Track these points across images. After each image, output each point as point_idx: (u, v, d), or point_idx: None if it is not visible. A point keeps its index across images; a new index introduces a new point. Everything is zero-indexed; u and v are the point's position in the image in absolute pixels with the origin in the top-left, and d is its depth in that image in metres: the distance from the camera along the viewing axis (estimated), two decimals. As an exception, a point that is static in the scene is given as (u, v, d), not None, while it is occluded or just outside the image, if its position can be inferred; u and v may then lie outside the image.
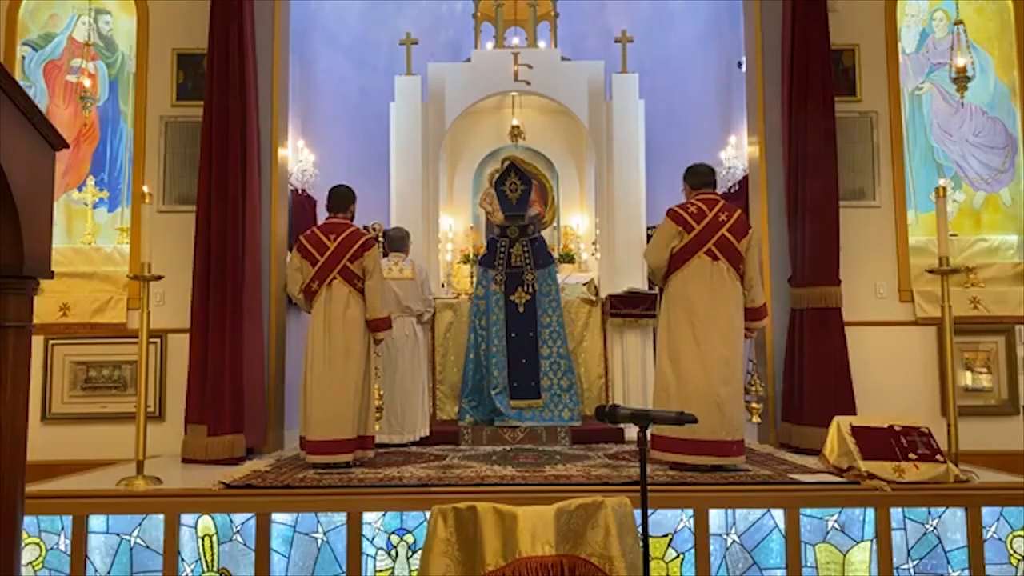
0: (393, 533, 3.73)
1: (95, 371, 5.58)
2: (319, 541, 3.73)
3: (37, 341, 5.32)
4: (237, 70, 5.38)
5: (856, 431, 4.06)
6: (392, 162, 8.22)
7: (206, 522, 3.76)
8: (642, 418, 2.53)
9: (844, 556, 3.74)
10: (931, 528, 3.79)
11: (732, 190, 7.16)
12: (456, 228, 8.81)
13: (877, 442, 3.98)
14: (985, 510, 3.78)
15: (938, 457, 3.95)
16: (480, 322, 6.13)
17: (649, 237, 6.79)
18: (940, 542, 3.78)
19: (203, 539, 3.75)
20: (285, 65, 5.97)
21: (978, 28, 5.99)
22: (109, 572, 3.73)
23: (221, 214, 5.21)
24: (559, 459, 4.83)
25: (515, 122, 8.48)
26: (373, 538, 3.73)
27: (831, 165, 5.41)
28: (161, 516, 3.74)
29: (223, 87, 5.34)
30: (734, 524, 3.75)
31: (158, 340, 5.48)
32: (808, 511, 3.75)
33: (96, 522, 3.75)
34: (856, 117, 5.76)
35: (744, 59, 6.23)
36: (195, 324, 5.16)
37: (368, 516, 3.73)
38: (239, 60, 5.40)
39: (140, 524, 3.75)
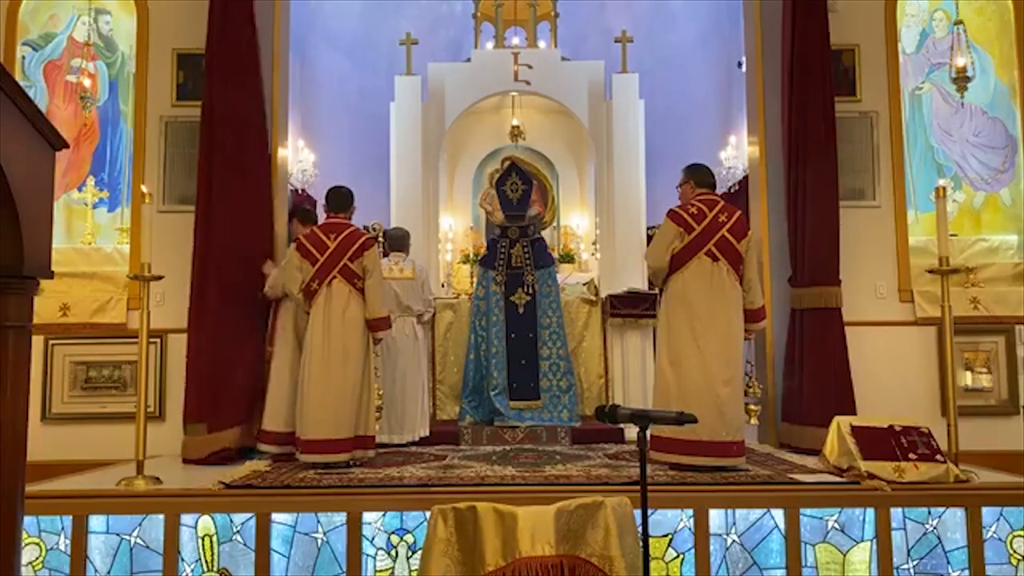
0: (393, 533, 3.73)
1: (95, 371, 5.58)
2: (319, 541, 3.73)
3: (37, 341, 5.32)
4: (236, 69, 5.38)
5: (856, 431, 4.05)
6: (392, 162, 8.23)
7: (206, 522, 3.75)
8: (642, 418, 2.53)
9: (844, 556, 3.74)
10: (931, 528, 3.79)
11: (732, 190, 7.17)
12: (456, 228, 8.81)
13: (877, 442, 3.98)
14: (985, 510, 3.78)
15: (938, 457, 3.94)
16: (480, 323, 6.13)
17: (649, 237, 6.80)
18: (940, 542, 3.78)
19: (203, 539, 3.75)
20: (285, 65, 5.97)
21: (978, 28, 5.99)
22: (109, 572, 3.72)
23: (220, 214, 5.21)
24: (559, 459, 4.83)
25: (515, 122, 8.49)
26: (373, 538, 3.73)
27: (831, 165, 5.41)
28: (161, 516, 3.73)
29: (222, 86, 5.34)
30: (734, 524, 3.75)
31: (158, 340, 5.48)
32: (808, 511, 3.75)
33: (96, 522, 3.75)
34: (856, 117, 5.76)
35: (744, 59, 6.23)
36: (192, 324, 5.16)
37: (368, 516, 3.73)
38: (238, 59, 5.39)
39: (140, 524, 3.75)
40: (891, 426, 4.08)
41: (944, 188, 4.56)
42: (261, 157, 5.53)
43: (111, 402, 5.55)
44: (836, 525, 3.76)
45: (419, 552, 3.47)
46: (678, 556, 3.71)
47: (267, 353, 5.21)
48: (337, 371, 4.52)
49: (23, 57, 5.91)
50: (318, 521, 3.74)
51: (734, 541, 3.74)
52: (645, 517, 2.54)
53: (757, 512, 3.76)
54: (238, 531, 3.74)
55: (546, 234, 7.63)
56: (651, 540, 3.57)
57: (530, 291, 6.11)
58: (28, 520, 3.62)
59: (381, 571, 3.71)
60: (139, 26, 5.85)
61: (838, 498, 3.77)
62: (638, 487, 2.54)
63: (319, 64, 8.00)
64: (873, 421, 4.18)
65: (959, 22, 5.71)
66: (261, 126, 5.53)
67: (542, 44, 8.56)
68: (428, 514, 3.11)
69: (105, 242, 5.87)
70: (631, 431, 4.20)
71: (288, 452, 4.82)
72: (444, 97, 8.19)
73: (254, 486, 3.94)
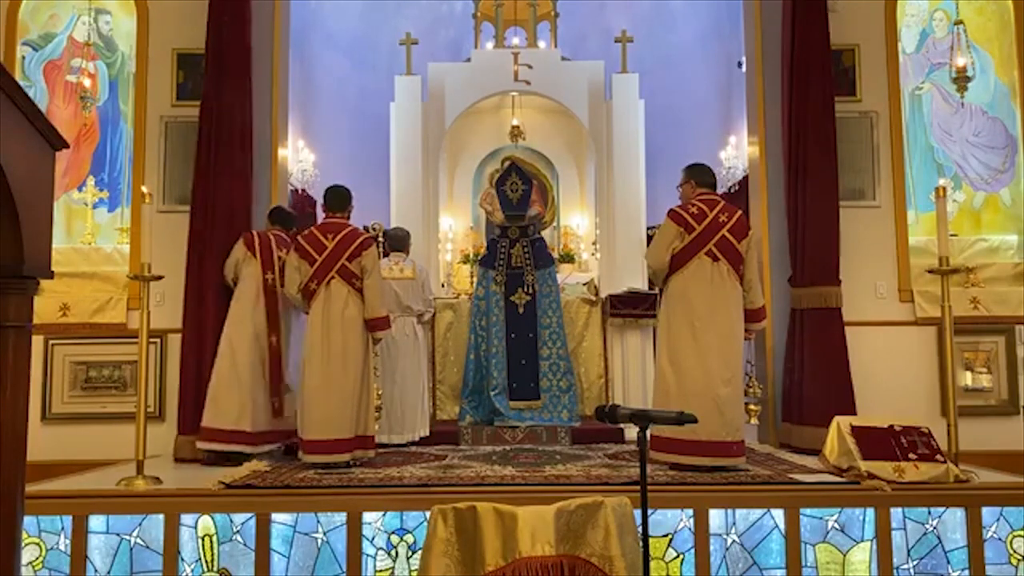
0: (393, 533, 3.73)
1: (95, 371, 5.58)
2: (319, 541, 3.73)
3: (37, 341, 5.32)
4: (234, 69, 5.38)
5: (856, 431, 4.05)
6: (392, 162, 8.23)
7: (206, 522, 3.75)
8: (642, 418, 2.53)
9: (844, 556, 3.74)
10: (931, 528, 3.79)
11: (732, 190, 7.17)
12: (456, 228, 8.81)
13: (877, 442, 3.98)
14: (985, 510, 3.78)
15: (938, 457, 3.95)
16: (480, 323, 6.13)
17: (649, 237, 6.80)
18: (940, 542, 3.78)
19: (203, 539, 3.74)
20: (285, 65, 5.97)
21: (978, 28, 5.99)
22: (109, 572, 3.72)
23: (215, 213, 5.23)
24: (559, 459, 4.83)
25: (515, 122, 8.49)
26: (373, 538, 3.73)
27: (831, 165, 5.41)
28: (161, 516, 3.73)
29: (219, 86, 5.35)
30: (734, 524, 3.75)
31: (158, 340, 5.48)
32: (808, 511, 3.75)
33: (96, 522, 3.75)
34: (856, 117, 5.76)
35: (744, 59, 6.23)
36: (187, 325, 5.18)
37: (368, 516, 3.73)
38: (236, 59, 5.40)
39: (140, 524, 3.75)
40: (891, 426, 4.08)
41: (944, 188, 4.56)
42: (260, 157, 5.54)
43: (111, 402, 5.55)
44: (836, 525, 3.76)
45: (419, 552, 3.46)
46: (678, 556, 3.71)
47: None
48: (337, 371, 4.51)
49: (23, 57, 5.91)
50: (318, 521, 3.74)
51: (734, 541, 3.74)
52: (645, 517, 2.53)
53: (757, 512, 3.76)
54: (238, 531, 3.74)
55: (546, 234, 7.63)
56: (651, 540, 3.57)
57: (530, 291, 6.10)
58: (28, 520, 3.62)
59: (381, 571, 3.71)
60: (139, 26, 5.86)
61: (838, 498, 3.77)
62: (638, 487, 2.53)
63: (319, 64, 8.00)
64: (873, 421, 4.18)
65: (959, 22, 5.71)
66: (258, 126, 5.54)
67: (542, 44, 8.56)
68: (428, 514, 3.11)
69: (105, 242, 5.87)
70: (631, 431, 4.20)
71: (232, 451, 4.78)
72: (444, 97, 8.19)
73: (254, 486, 3.94)
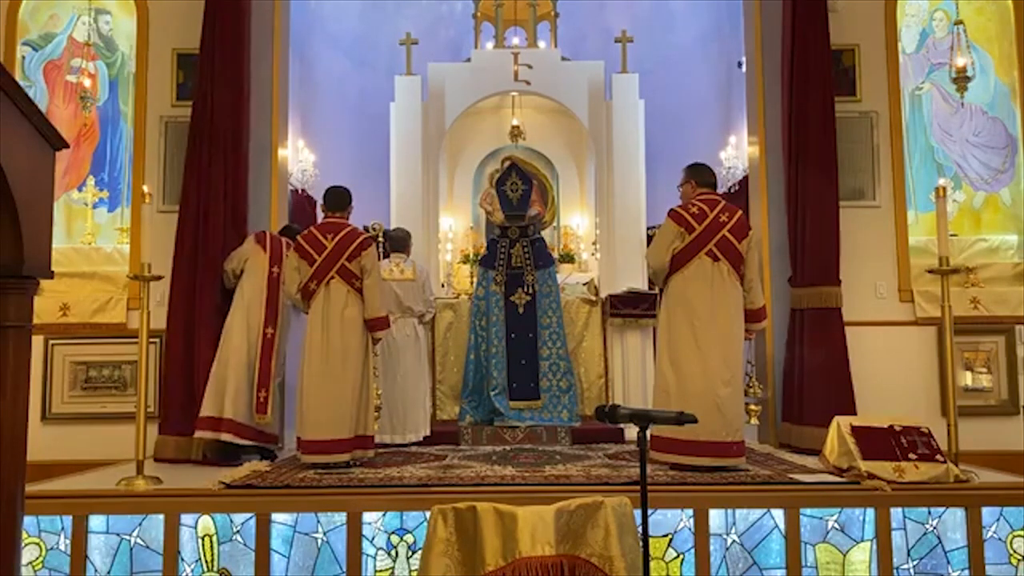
0: (393, 533, 3.73)
1: (95, 371, 5.58)
2: (319, 541, 3.73)
3: (37, 341, 5.32)
4: (229, 68, 5.36)
5: (856, 431, 4.05)
6: (392, 162, 8.23)
7: (206, 522, 3.75)
8: (642, 418, 2.53)
9: (844, 556, 3.74)
10: (931, 528, 3.79)
11: (732, 190, 7.17)
12: (456, 228, 8.81)
13: (877, 442, 3.98)
14: (985, 510, 3.77)
15: (938, 457, 3.95)
16: (480, 323, 6.12)
17: (649, 238, 6.80)
18: (940, 542, 3.78)
19: (203, 539, 3.74)
20: (285, 65, 5.97)
21: (978, 28, 5.99)
22: (109, 572, 3.72)
23: (205, 214, 5.23)
24: (559, 459, 4.83)
25: (515, 122, 8.49)
26: (373, 538, 3.73)
27: (831, 165, 5.41)
28: (161, 516, 3.73)
29: (212, 85, 5.34)
30: (734, 524, 3.75)
31: (158, 340, 5.47)
32: (808, 511, 3.75)
33: (96, 522, 3.75)
34: (856, 117, 5.76)
35: (744, 59, 6.23)
36: (171, 326, 5.18)
37: (368, 516, 3.73)
38: (231, 58, 5.38)
39: (140, 524, 3.75)
40: (891, 426, 4.08)
41: (944, 188, 4.55)
42: (255, 156, 5.54)
43: (111, 402, 5.55)
44: (836, 525, 3.76)
45: (419, 552, 3.46)
46: (678, 556, 3.71)
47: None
48: (336, 371, 4.51)
49: (23, 57, 5.90)
50: (318, 521, 3.74)
51: (734, 541, 3.74)
52: (645, 517, 2.54)
53: (757, 512, 3.76)
54: (238, 531, 3.74)
55: (546, 234, 7.63)
56: (651, 540, 3.57)
57: (530, 291, 6.10)
58: (28, 520, 3.62)
59: (381, 571, 3.71)
60: (139, 26, 5.85)
61: (838, 498, 3.77)
62: (638, 487, 2.54)
63: (319, 64, 8.00)
64: (873, 421, 4.18)
65: (959, 22, 5.71)
66: (258, 126, 5.54)
67: (542, 44, 8.56)
68: (428, 514, 3.11)
69: (105, 242, 5.87)
70: (631, 431, 4.20)
71: (226, 441, 4.84)
72: (444, 97, 8.19)
73: (254, 486, 3.94)
